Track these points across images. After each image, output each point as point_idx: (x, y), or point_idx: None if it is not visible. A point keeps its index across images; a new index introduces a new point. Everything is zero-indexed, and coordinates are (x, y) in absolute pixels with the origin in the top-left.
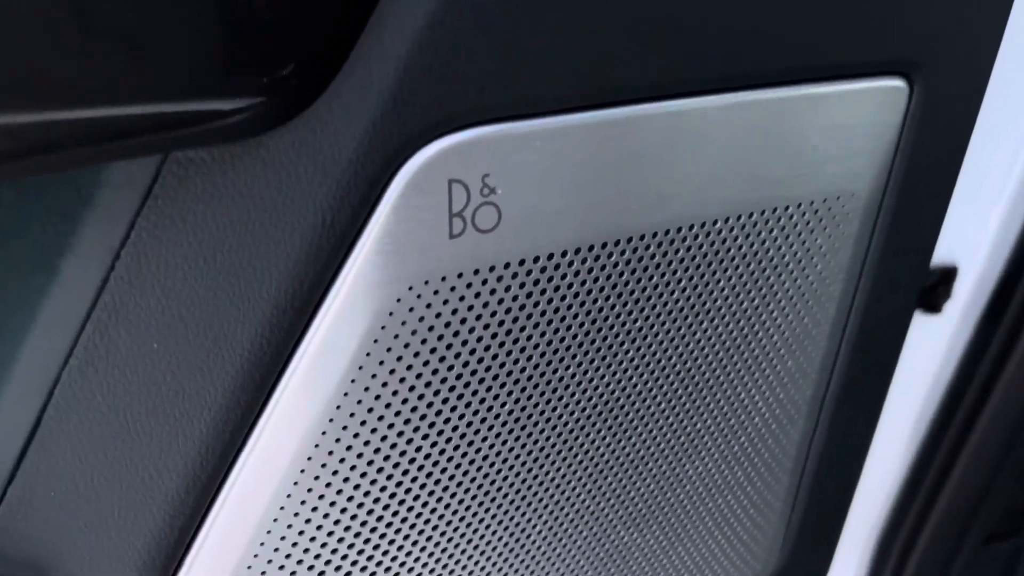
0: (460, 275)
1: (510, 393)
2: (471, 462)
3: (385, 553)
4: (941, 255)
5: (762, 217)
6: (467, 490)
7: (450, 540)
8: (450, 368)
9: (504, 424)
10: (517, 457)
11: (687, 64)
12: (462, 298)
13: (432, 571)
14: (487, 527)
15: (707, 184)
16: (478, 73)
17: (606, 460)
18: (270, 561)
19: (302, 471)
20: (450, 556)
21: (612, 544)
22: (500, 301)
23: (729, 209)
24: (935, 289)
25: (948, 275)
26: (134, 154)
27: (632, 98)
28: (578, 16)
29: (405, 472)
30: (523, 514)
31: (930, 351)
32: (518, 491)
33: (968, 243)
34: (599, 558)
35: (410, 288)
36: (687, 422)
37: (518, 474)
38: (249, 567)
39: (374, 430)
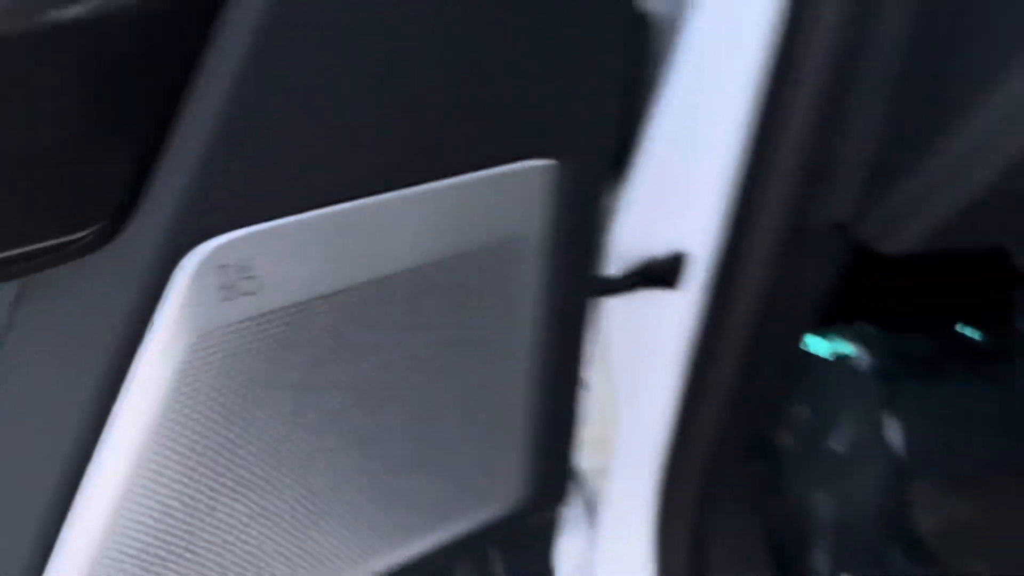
0: (233, 324)
1: (289, 393)
2: (267, 446)
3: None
4: (674, 244)
5: (454, 260)
6: (266, 462)
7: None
8: (242, 383)
9: (289, 414)
10: (302, 430)
11: (384, 172)
12: (240, 338)
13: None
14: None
15: (408, 243)
16: (235, 199)
17: (370, 431)
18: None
19: (144, 468)
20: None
21: (387, 488)
22: (270, 335)
23: (428, 257)
24: (671, 271)
25: (679, 259)
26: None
27: (347, 197)
28: (301, 157)
29: (222, 458)
30: (310, 474)
31: (675, 316)
32: (307, 453)
33: (692, 234)
34: (379, 500)
35: (199, 336)
36: (427, 399)
37: (303, 441)
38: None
39: (195, 434)
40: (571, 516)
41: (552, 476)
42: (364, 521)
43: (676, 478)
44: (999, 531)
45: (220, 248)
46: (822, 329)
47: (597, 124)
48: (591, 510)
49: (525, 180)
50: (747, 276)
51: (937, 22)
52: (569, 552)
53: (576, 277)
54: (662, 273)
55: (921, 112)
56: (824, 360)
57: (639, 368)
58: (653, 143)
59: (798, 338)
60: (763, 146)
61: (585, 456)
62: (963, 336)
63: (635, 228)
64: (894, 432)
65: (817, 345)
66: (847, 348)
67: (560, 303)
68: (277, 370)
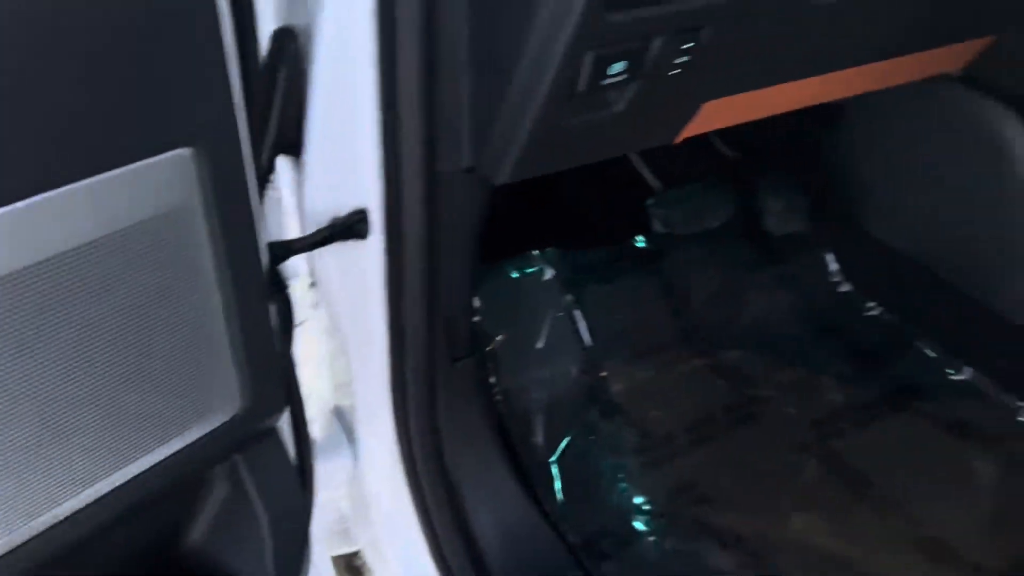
0: None
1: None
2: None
3: None
4: (355, 202)
5: (115, 237)
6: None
7: None
8: None
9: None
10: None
11: (33, 177)
12: None
13: None
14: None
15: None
16: None
17: (83, 372)
18: None
19: None
20: None
21: (113, 412)
22: None
23: (83, 238)
24: (358, 223)
25: (362, 213)
26: None
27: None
28: None
29: None
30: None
31: (370, 260)
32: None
33: (365, 192)
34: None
35: None
36: (135, 341)
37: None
38: None
39: None
40: (337, 443)
41: (264, 390)
42: (97, 441)
43: (402, 386)
44: (667, 385)
45: None
46: (517, 256)
47: (219, 116)
48: (350, 435)
49: (169, 167)
50: (410, 218)
51: (484, 8)
52: (339, 469)
53: (240, 236)
54: (350, 227)
55: (490, 73)
56: (519, 279)
57: (355, 307)
58: (317, 125)
59: (468, 259)
60: (391, 117)
61: (338, 396)
62: (629, 244)
63: (321, 194)
64: (581, 325)
65: (513, 268)
66: (538, 268)
67: (234, 255)
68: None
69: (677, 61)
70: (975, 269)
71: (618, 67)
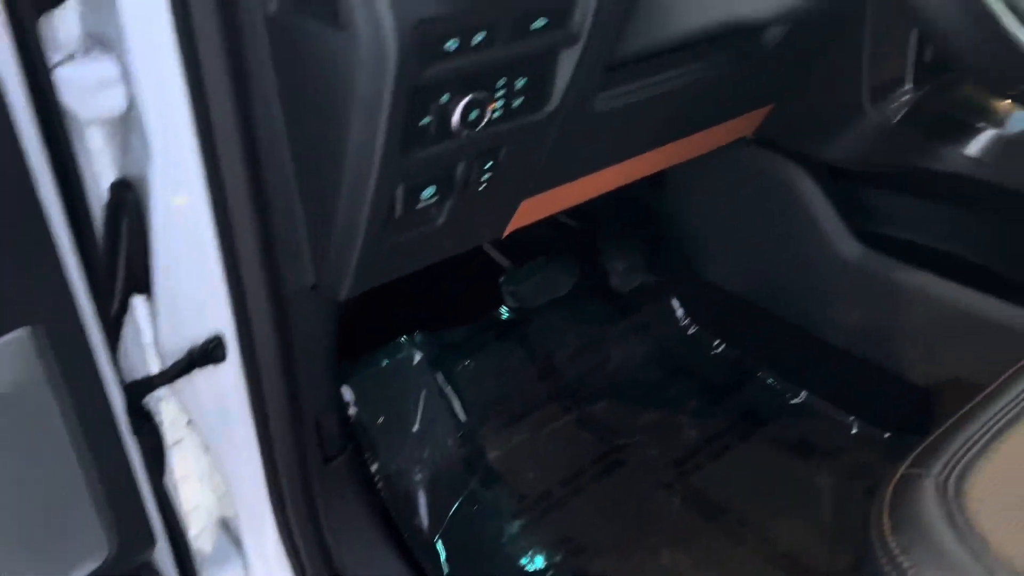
0: None
1: None
2: None
3: None
4: (210, 329)
5: None
6: None
7: None
8: None
9: None
10: None
11: None
12: None
13: None
14: None
15: None
16: None
17: None
18: None
19: None
20: None
21: None
22: None
23: None
24: (216, 349)
25: (218, 339)
26: None
27: None
28: None
29: None
30: None
31: (232, 382)
32: None
33: (216, 318)
34: None
35: None
36: None
37: None
38: None
39: None
40: (226, 554)
41: (132, 529)
42: None
43: (279, 495)
44: (540, 445)
45: None
46: (386, 344)
47: (54, 291)
48: (238, 545)
49: (8, 348)
50: (262, 338)
51: (303, 149)
52: None
53: (88, 394)
54: (207, 353)
55: (317, 204)
56: (390, 366)
57: (223, 424)
58: (163, 264)
59: (327, 365)
60: (231, 249)
61: (222, 506)
62: (491, 317)
63: (176, 326)
64: (454, 401)
65: (383, 356)
66: (406, 353)
67: (85, 413)
68: None
69: (484, 178)
70: (794, 300)
71: (429, 192)
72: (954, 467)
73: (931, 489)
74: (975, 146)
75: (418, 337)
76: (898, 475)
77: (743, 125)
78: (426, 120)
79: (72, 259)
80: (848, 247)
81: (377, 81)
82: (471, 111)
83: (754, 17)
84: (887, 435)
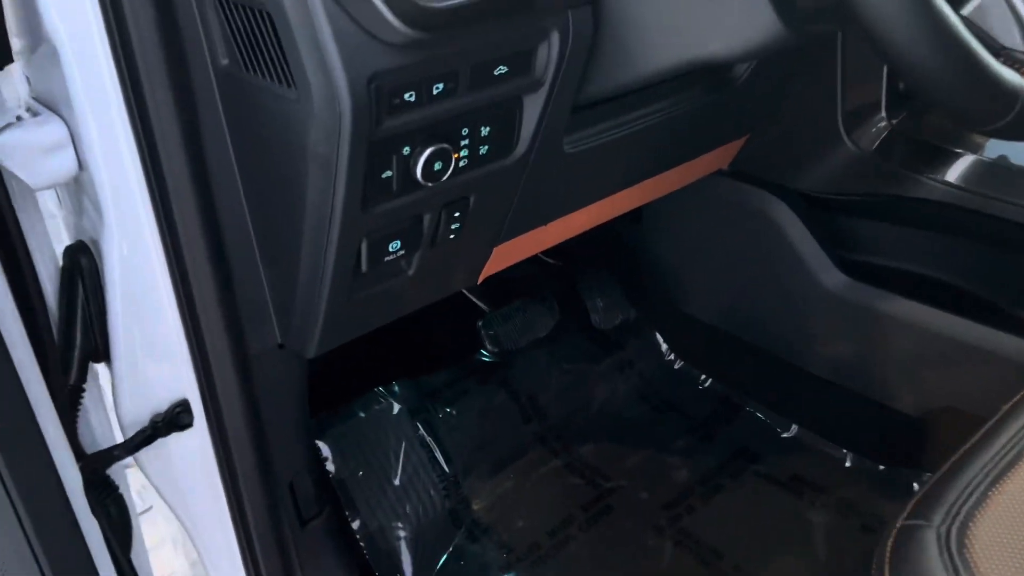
0: None
1: None
2: None
3: None
4: (175, 395)
5: None
6: None
7: None
8: None
9: None
10: None
11: None
12: None
13: None
14: None
15: None
16: None
17: None
18: None
19: None
20: None
21: None
22: None
23: None
24: (181, 415)
25: (183, 404)
26: None
27: None
28: None
29: None
30: None
31: (198, 446)
32: None
33: (181, 384)
34: None
35: None
36: None
37: None
38: None
39: None
40: None
41: None
42: None
43: (253, 563)
44: (527, 492)
45: None
46: (362, 394)
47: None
48: None
49: None
50: (229, 401)
51: (260, 207)
52: None
53: (34, 473)
54: (172, 420)
55: (279, 263)
56: (368, 418)
57: (192, 490)
58: (122, 329)
59: (298, 424)
60: (192, 313)
61: (195, 572)
62: (471, 361)
63: (136, 394)
64: (436, 451)
65: (360, 408)
66: (385, 404)
67: (31, 494)
68: None
69: (453, 227)
70: (778, 332)
71: (396, 244)
72: (955, 516)
73: (933, 542)
74: (954, 172)
75: (396, 386)
76: (898, 526)
77: (718, 158)
78: (387, 173)
79: (18, 333)
80: (830, 277)
81: (332, 138)
82: (435, 162)
83: (719, 56)
84: (881, 468)
